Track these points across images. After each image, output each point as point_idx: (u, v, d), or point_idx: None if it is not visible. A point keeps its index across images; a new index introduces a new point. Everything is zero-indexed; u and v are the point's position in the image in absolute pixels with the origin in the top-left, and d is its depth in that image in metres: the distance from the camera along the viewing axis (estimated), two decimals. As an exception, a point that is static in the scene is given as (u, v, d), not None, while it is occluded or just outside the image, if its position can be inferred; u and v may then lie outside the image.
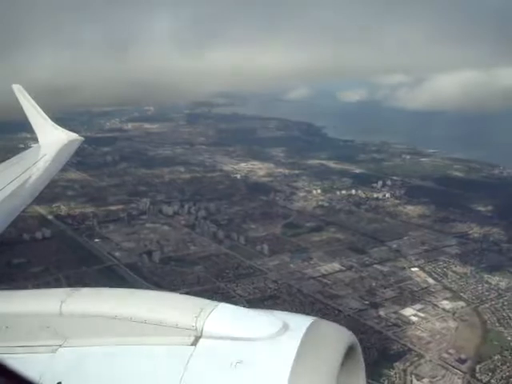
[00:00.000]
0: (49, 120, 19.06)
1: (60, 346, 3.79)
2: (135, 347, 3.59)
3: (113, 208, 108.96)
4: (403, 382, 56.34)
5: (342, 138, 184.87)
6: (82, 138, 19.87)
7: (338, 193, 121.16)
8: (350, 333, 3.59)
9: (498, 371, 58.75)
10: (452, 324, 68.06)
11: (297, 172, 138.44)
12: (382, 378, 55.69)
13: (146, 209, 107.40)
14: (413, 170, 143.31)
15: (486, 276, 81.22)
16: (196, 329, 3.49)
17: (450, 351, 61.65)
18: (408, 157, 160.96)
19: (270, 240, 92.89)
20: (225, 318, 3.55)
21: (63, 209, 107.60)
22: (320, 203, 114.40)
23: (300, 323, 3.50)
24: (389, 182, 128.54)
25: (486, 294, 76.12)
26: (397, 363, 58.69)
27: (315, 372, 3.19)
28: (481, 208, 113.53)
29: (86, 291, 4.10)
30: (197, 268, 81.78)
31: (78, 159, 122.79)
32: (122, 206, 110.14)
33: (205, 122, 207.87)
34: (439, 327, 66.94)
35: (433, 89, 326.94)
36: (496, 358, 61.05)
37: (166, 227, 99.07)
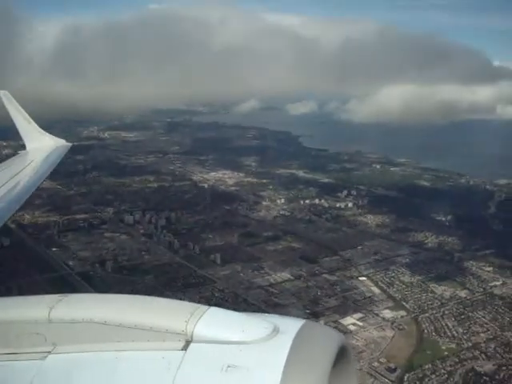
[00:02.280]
0: (36, 126, 19.26)
1: (49, 352, 3.78)
2: (125, 353, 3.58)
3: (76, 217, 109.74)
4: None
5: (316, 148, 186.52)
6: (70, 144, 20.04)
7: (301, 202, 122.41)
8: (340, 335, 3.65)
9: (427, 380, 59.80)
10: (389, 333, 69.08)
11: (265, 181, 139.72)
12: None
13: (108, 218, 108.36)
14: (381, 180, 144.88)
15: (431, 285, 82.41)
16: (186, 333, 3.49)
17: (382, 360, 62.64)
18: (378, 166, 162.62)
19: (225, 249, 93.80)
20: (215, 322, 3.56)
21: (26, 217, 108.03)
22: (281, 213, 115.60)
23: (290, 326, 3.50)
24: (354, 192, 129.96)
25: (429, 303, 77.27)
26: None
27: (307, 374, 3.20)
28: (441, 217, 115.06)
29: (74, 297, 4.12)
30: (147, 277, 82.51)
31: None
32: (85, 215, 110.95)
33: (183, 131, 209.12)
34: (376, 336, 67.91)
35: (376, 102, 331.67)
36: (426, 367, 62.04)
37: (124, 236, 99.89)
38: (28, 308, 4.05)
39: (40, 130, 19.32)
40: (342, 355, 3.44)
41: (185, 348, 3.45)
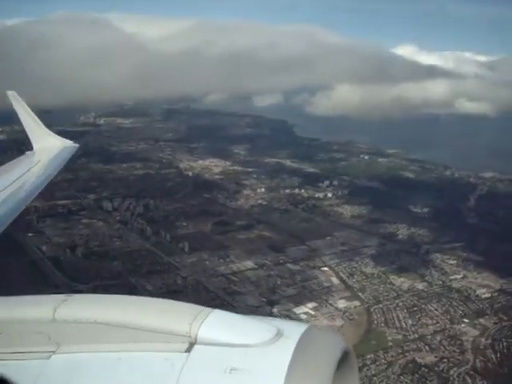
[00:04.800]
0: (43, 126, 19.48)
1: (53, 352, 3.81)
2: (129, 354, 3.60)
3: (57, 203, 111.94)
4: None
5: (309, 137, 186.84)
6: (77, 145, 20.09)
7: (281, 192, 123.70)
8: (343, 339, 3.65)
9: (365, 369, 61.30)
10: (338, 323, 70.87)
11: (250, 170, 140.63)
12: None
13: (87, 205, 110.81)
14: (366, 170, 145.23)
15: (391, 277, 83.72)
16: (190, 335, 3.47)
17: (325, 349, 64.15)
18: (366, 157, 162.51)
19: (196, 237, 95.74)
20: (219, 325, 3.52)
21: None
22: (259, 202, 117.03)
23: (294, 330, 3.50)
24: (336, 182, 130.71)
25: (385, 294, 78.71)
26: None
27: (309, 379, 3.20)
28: (417, 209, 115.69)
29: (79, 297, 4.14)
30: (115, 263, 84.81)
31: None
32: (66, 201, 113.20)
33: (179, 118, 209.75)
34: (324, 325, 69.46)
35: (335, 97, 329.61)
36: (368, 356, 63.60)
37: (100, 223, 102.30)
38: (32, 307, 4.09)
39: (47, 130, 19.63)
40: (344, 360, 3.49)
41: (188, 350, 3.47)
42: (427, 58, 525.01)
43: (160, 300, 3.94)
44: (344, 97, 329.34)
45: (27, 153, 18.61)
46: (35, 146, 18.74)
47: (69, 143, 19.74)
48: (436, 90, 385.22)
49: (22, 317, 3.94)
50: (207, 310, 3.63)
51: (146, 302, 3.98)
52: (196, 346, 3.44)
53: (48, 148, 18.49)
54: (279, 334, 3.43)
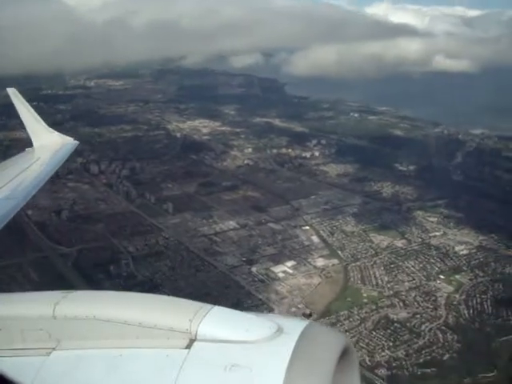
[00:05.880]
0: (43, 123, 19.49)
1: (53, 348, 3.83)
2: (129, 350, 3.64)
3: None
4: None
5: (298, 95, 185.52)
6: (77, 142, 20.14)
7: (268, 152, 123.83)
8: (344, 336, 3.68)
9: (338, 325, 62.67)
10: (315, 280, 72.04)
11: (238, 130, 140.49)
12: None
13: (74, 168, 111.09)
14: (355, 129, 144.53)
15: (371, 235, 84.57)
16: (190, 332, 3.55)
17: (300, 306, 65.72)
18: (356, 115, 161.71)
19: (181, 199, 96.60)
20: (219, 321, 3.61)
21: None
22: (246, 162, 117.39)
23: (294, 326, 3.55)
24: (323, 141, 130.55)
25: (364, 252, 79.70)
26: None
27: (310, 375, 3.24)
28: (403, 167, 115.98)
29: (79, 294, 4.19)
30: (98, 225, 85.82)
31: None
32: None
33: (170, 79, 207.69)
34: (302, 283, 70.93)
35: (310, 57, 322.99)
36: (342, 313, 65.15)
37: (86, 186, 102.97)
38: (32, 304, 4.15)
39: (47, 127, 19.54)
40: (345, 356, 3.52)
41: (188, 347, 3.53)
42: (402, 15, 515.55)
43: (160, 296, 4.10)
44: (319, 57, 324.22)
45: (27, 150, 18.58)
46: (35, 143, 18.81)
47: (69, 140, 19.69)
48: (411, 48, 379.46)
49: (22, 313, 4.02)
50: (207, 306, 3.75)
51: (146, 298, 4.13)
52: (196, 343, 3.55)
53: (48, 145, 18.60)
54: (280, 331, 3.53)
